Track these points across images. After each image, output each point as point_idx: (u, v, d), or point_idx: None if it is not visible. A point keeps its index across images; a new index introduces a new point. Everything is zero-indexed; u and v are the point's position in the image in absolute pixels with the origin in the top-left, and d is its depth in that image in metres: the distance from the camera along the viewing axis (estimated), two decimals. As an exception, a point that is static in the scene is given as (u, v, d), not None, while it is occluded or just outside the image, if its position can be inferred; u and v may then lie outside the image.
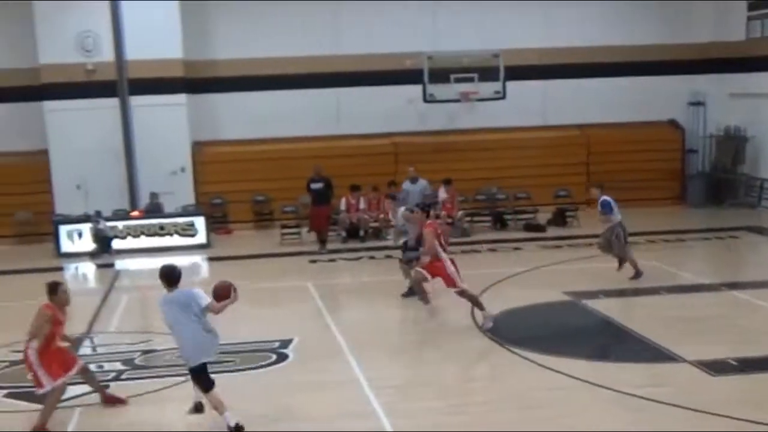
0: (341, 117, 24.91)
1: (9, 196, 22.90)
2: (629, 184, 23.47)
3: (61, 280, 10.89)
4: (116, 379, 11.80)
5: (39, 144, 23.27)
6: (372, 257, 20.01)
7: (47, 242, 21.71)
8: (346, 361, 12.10)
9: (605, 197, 16.27)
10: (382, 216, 21.50)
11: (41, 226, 22.46)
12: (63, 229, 21.39)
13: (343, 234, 21.99)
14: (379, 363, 11.97)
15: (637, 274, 16.24)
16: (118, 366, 12.35)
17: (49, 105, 23.17)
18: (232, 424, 9.47)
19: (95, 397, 10.81)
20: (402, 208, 15.99)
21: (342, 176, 21.97)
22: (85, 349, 13.08)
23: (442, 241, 13.77)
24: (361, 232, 22.05)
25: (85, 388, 10.92)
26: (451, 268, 13.54)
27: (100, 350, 13.27)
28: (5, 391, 11.40)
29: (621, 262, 16.45)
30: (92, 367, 12.17)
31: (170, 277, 9.73)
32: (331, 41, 24.71)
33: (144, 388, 11.33)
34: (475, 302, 13.66)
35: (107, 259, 20.63)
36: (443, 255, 13.61)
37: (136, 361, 12.51)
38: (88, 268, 20.34)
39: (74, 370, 10.31)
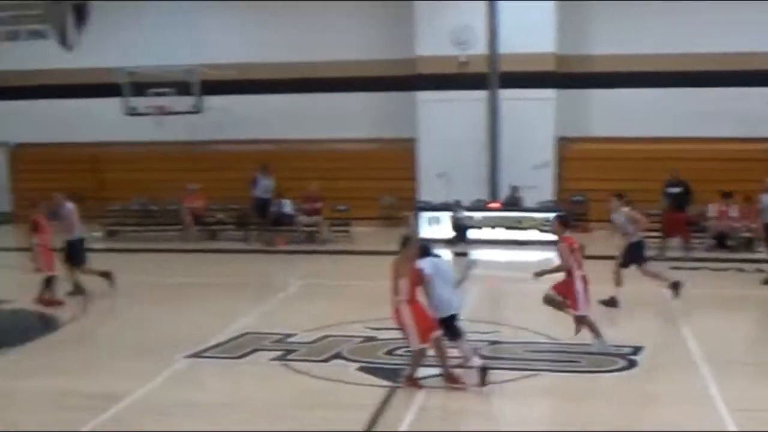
0: (704, 118, 23.31)
1: (377, 180, 23.93)
2: None
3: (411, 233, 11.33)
4: (461, 366, 11.72)
5: (408, 132, 24.06)
6: (740, 269, 18.52)
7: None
8: (699, 376, 11.15)
9: None
10: (754, 226, 19.84)
11: (404, 211, 23.15)
12: (423, 216, 21.91)
13: (711, 242, 20.60)
14: (738, 382, 10.89)
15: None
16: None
17: (422, 95, 23.87)
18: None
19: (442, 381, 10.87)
20: (627, 208, 14.92)
21: (702, 181, 20.59)
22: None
23: (578, 257, 12.26)
24: (731, 242, 20.52)
25: (435, 370, 11.04)
26: (579, 288, 12.07)
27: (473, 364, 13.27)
28: (358, 365, 11.71)
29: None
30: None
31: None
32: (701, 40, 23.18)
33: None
34: (593, 329, 12.15)
35: (463, 248, 20.85)
36: (577, 272, 12.12)
37: (483, 352, 12.36)
38: (444, 255, 20.62)
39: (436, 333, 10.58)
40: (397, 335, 11.09)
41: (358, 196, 23.49)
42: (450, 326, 10.79)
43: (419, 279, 10.53)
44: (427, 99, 23.77)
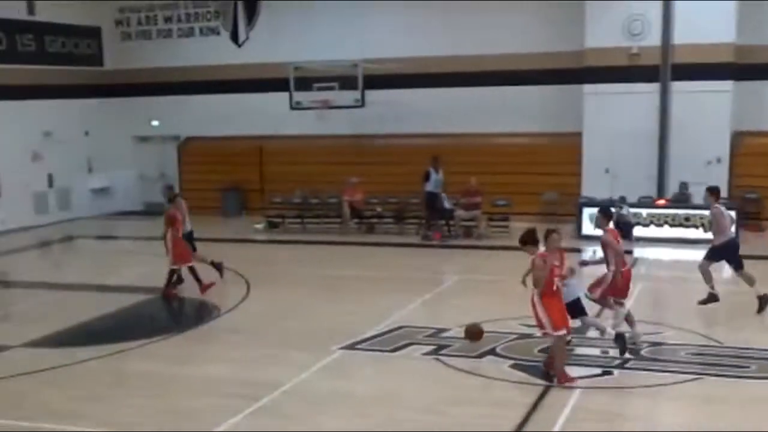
0: None
1: (539, 175, 23.43)
2: None
3: (555, 227, 11.25)
4: (620, 366, 11.32)
5: (574, 126, 23.46)
6: None
7: (569, 223, 21.82)
8: None
9: None
10: None
11: (566, 207, 22.64)
12: (586, 212, 21.30)
13: None
14: None
15: None
16: (625, 354, 11.81)
17: (589, 88, 23.19)
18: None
19: (599, 381, 10.67)
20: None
21: None
22: (593, 333, 12.81)
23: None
24: None
25: (591, 370, 11.00)
26: (608, 278, 12.03)
27: (607, 336, 12.81)
28: (512, 362, 11.51)
29: None
30: (596, 351, 12.01)
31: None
32: None
33: (641, 380, 10.85)
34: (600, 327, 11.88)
35: (627, 246, 20.09)
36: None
37: (643, 352, 11.87)
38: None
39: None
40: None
41: (519, 191, 23.04)
42: (575, 309, 11.26)
43: (555, 271, 10.58)
44: (594, 92, 23.06)
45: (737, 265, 14.24)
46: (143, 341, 13.08)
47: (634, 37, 22.66)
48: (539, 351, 11.60)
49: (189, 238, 16.69)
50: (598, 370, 11.15)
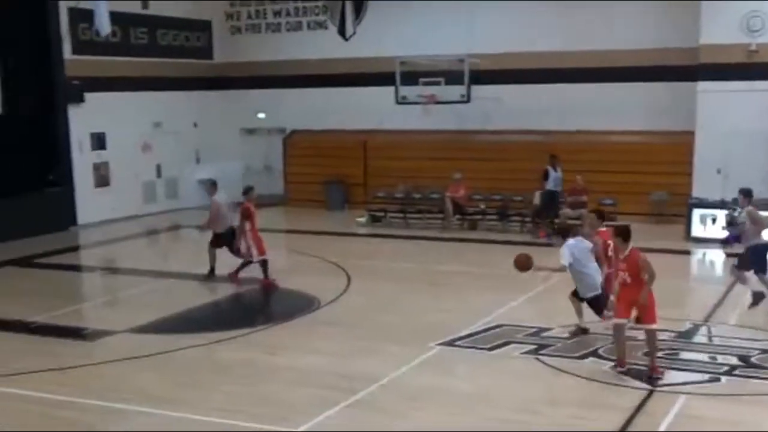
0: None
1: (648, 174, 22.81)
2: None
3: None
4: (728, 373, 10.92)
5: (685, 125, 22.77)
6: None
7: (679, 224, 21.17)
8: None
9: None
10: None
11: (676, 207, 22.00)
12: (696, 213, 20.66)
13: None
14: None
15: None
16: (733, 360, 11.39)
17: (703, 85, 22.48)
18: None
19: (705, 387, 10.38)
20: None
21: None
22: (700, 338, 12.42)
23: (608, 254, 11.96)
24: None
25: (699, 376, 10.77)
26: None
27: (715, 341, 12.41)
28: (613, 364, 11.07)
29: None
30: (704, 357, 11.65)
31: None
32: None
33: (749, 388, 10.48)
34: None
35: (737, 249, 19.41)
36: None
37: (753, 359, 11.40)
38: (716, 255, 19.34)
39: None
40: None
41: (626, 191, 22.47)
42: (598, 303, 11.94)
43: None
44: (708, 89, 22.27)
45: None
46: (243, 330, 13.22)
47: (753, 34, 21.86)
48: (644, 354, 11.24)
49: (231, 234, 16.73)
50: (705, 377, 10.78)
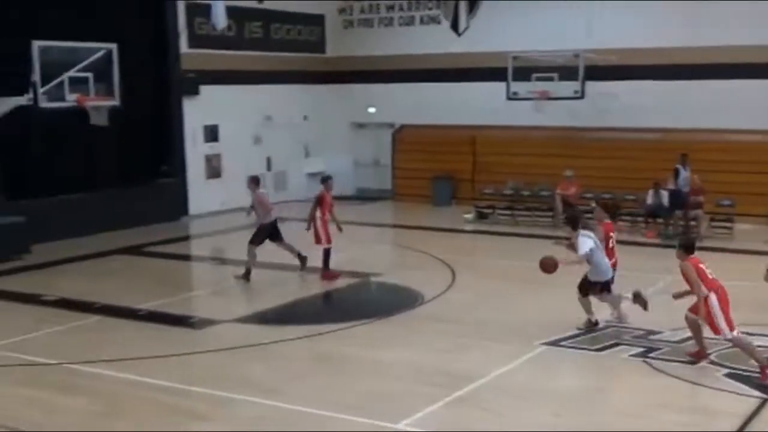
0: None
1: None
2: None
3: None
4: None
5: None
6: None
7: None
8: None
9: None
10: None
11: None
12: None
13: None
14: None
15: None
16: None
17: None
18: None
19: None
20: None
21: None
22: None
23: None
24: None
25: None
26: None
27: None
28: (727, 371, 10.82)
29: None
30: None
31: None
32: None
33: None
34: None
35: None
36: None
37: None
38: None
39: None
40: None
41: (746, 191, 21.70)
42: (607, 287, 12.60)
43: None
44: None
45: None
46: (346, 323, 13.25)
47: None
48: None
49: (274, 226, 16.77)
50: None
